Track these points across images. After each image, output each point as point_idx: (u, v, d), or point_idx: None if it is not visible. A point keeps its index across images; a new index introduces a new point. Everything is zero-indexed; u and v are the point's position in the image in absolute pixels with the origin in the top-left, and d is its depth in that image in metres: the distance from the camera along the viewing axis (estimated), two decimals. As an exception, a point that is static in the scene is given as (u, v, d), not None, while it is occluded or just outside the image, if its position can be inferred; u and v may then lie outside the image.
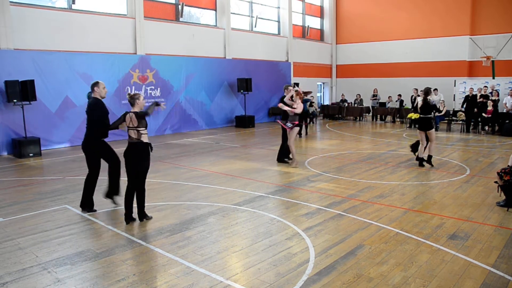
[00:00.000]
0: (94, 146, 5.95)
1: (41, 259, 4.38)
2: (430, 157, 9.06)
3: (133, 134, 5.52)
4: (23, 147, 10.66)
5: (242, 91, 17.48)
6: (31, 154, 10.76)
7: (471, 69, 19.55)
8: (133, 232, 5.19)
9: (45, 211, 6.08)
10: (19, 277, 3.98)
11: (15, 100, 10.54)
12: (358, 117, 20.61)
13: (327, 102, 24.06)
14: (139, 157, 5.50)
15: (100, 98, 6.04)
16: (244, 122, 17.39)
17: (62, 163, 9.92)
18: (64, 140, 12.41)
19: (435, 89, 17.44)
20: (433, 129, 9.03)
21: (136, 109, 5.59)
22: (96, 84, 6.08)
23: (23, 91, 10.61)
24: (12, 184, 7.91)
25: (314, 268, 4.10)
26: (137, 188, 5.58)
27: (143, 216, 5.64)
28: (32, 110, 11.34)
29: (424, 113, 9.04)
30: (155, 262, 4.30)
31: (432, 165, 9.02)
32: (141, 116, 5.46)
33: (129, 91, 13.99)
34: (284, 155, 9.61)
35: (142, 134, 5.51)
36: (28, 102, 10.87)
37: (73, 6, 12.88)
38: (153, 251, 4.58)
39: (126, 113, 5.61)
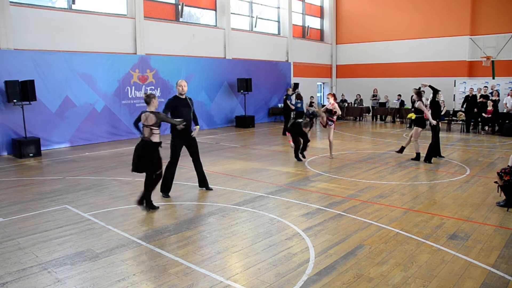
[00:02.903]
0: (172, 137, 6.86)
1: (41, 259, 4.38)
2: (402, 148, 10.27)
3: (146, 133, 5.87)
4: (23, 147, 10.66)
5: (242, 91, 17.48)
6: (31, 154, 10.75)
7: (471, 69, 19.55)
8: (133, 232, 5.19)
9: (45, 211, 6.08)
10: (19, 277, 3.98)
11: (15, 100, 10.54)
12: (358, 117, 20.62)
13: (327, 102, 24.02)
14: (147, 154, 5.85)
15: (178, 95, 6.74)
16: (244, 122, 17.38)
17: (62, 163, 9.92)
18: (64, 140, 12.41)
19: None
20: (418, 128, 9.70)
21: (152, 108, 5.91)
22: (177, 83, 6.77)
23: (23, 91, 10.61)
24: (12, 184, 7.91)
25: (314, 268, 4.10)
26: (147, 182, 6.07)
27: (142, 202, 5.99)
28: (32, 110, 11.34)
29: (416, 113, 9.85)
30: (155, 262, 4.30)
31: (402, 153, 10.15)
32: (160, 118, 5.85)
33: (130, 91, 14.03)
34: (301, 152, 10.00)
35: (154, 133, 5.86)
36: (28, 102, 10.87)
37: (73, 6, 12.88)
38: (153, 251, 4.58)
39: (142, 112, 5.92)
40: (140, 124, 5.97)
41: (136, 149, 5.91)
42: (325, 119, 10.13)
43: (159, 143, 5.92)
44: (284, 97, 15.10)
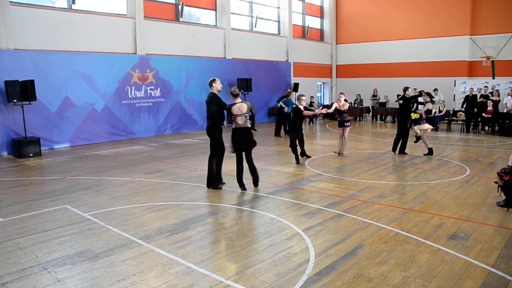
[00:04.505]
0: (215, 132, 7.12)
1: (41, 259, 4.38)
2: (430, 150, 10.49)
3: (240, 120, 6.88)
4: (23, 147, 10.66)
5: (242, 91, 17.48)
6: (31, 154, 10.75)
7: (471, 69, 19.55)
8: (133, 232, 5.19)
9: (45, 211, 6.08)
10: (19, 277, 3.98)
11: (15, 100, 10.55)
12: (358, 117, 20.61)
13: (327, 102, 24.06)
14: (246, 138, 6.92)
15: (216, 92, 7.09)
16: (244, 122, 17.34)
17: (62, 163, 9.92)
18: (64, 140, 12.41)
19: (435, 89, 17.46)
20: (429, 126, 10.48)
21: (239, 100, 6.95)
22: (213, 80, 7.13)
23: (23, 91, 10.61)
24: (12, 184, 7.91)
25: (314, 268, 4.10)
26: (248, 163, 7.07)
27: (257, 183, 7.23)
28: (32, 110, 11.34)
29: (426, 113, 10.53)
30: (155, 262, 4.30)
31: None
32: (250, 105, 7.00)
33: (130, 91, 14.03)
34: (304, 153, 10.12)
35: (247, 119, 6.93)
36: (28, 102, 10.88)
37: (73, 6, 12.88)
38: (153, 251, 4.58)
39: (231, 105, 6.88)
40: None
41: (235, 137, 6.96)
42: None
43: (251, 127, 7.05)
44: (281, 97, 15.07)
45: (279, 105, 14.64)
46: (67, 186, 7.61)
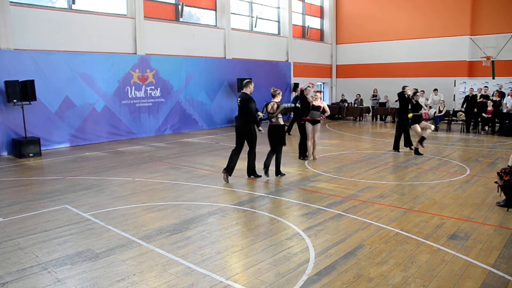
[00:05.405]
0: (250, 129, 7.65)
1: (41, 259, 4.38)
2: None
3: (273, 119, 7.76)
4: (23, 147, 10.66)
5: (242, 91, 17.46)
6: (31, 154, 10.75)
7: (471, 69, 19.55)
8: (133, 232, 5.19)
9: (45, 211, 6.08)
10: (19, 277, 3.98)
11: (15, 100, 10.54)
12: (358, 117, 20.62)
13: (327, 102, 24.06)
14: (277, 135, 7.82)
15: (249, 93, 7.71)
16: (244, 122, 17.36)
17: (62, 163, 9.92)
18: (64, 140, 12.41)
19: (435, 89, 17.47)
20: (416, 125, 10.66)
21: (276, 100, 7.86)
22: (251, 82, 7.85)
23: (23, 91, 10.61)
24: (12, 184, 7.91)
25: (314, 268, 4.10)
26: (276, 154, 8.00)
27: (279, 173, 8.15)
28: (32, 110, 11.34)
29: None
30: (155, 262, 4.30)
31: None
32: (278, 106, 7.76)
33: (130, 91, 14.04)
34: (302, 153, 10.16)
35: (279, 118, 7.78)
36: (28, 102, 10.87)
37: (73, 6, 12.88)
38: (153, 251, 4.58)
39: (268, 103, 7.89)
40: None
41: (269, 133, 7.95)
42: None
43: (284, 125, 7.86)
44: (295, 97, 15.27)
45: (295, 105, 14.88)
46: (67, 186, 7.61)
